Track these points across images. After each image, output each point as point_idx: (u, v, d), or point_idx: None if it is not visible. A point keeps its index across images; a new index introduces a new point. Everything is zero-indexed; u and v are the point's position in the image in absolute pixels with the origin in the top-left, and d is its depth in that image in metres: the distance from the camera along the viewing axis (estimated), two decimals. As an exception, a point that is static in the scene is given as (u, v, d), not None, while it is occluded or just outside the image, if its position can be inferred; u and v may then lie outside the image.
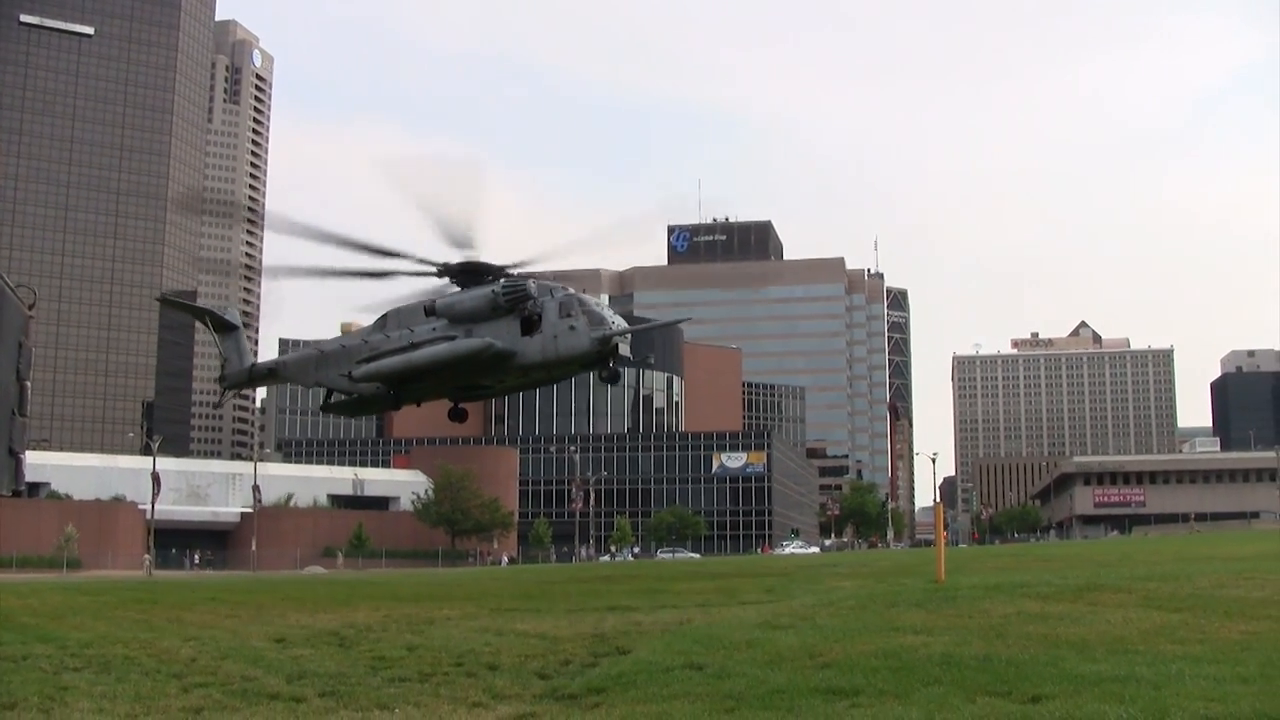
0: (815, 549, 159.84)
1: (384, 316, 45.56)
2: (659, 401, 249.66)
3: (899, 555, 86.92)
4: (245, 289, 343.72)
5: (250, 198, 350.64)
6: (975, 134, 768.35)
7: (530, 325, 41.14)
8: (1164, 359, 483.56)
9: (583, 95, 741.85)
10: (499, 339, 40.91)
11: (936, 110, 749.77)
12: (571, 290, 42.13)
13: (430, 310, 42.70)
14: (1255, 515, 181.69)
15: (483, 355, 41.22)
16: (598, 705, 13.14)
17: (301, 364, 48.80)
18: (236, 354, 51.90)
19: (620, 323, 41.68)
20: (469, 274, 44.05)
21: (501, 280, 42.44)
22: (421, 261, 42.39)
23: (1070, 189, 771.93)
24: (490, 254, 40.16)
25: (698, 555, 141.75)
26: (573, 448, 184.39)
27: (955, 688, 13.14)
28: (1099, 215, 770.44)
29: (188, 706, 13.76)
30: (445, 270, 43.57)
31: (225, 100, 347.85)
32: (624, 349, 41.26)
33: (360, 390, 45.83)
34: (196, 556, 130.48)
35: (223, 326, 52.25)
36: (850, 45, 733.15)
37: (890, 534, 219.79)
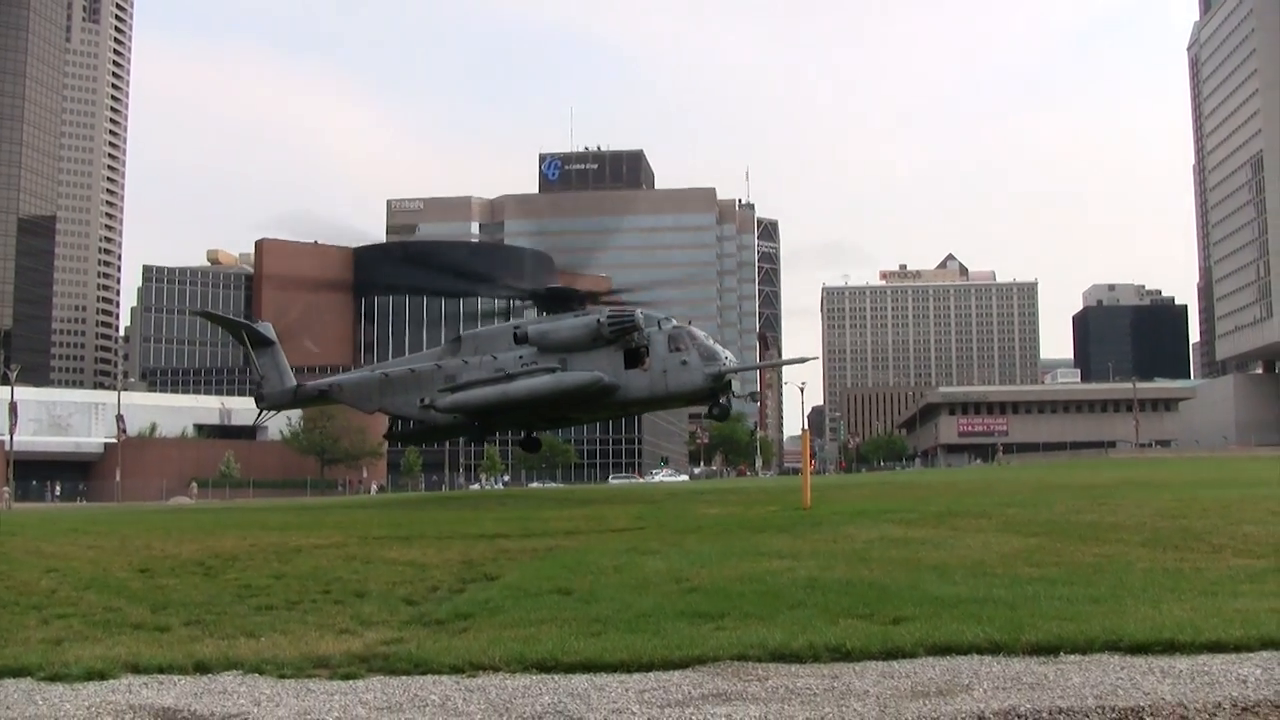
0: (684, 477, 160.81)
1: (457, 339, 42.59)
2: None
3: (766, 483, 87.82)
4: (107, 214, 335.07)
5: (112, 120, 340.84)
6: (847, 68, 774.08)
7: (635, 358, 39.24)
8: (1028, 292, 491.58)
9: (456, 19, 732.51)
10: (604, 372, 39.00)
11: (807, 43, 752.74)
12: (677, 321, 40.20)
13: (521, 337, 40.55)
14: (1112, 445, 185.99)
15: (590, 389, 39.14)
16: (465, 630, 13.17)
17: (361, 388, 45.56)
18: (276, 371, 48.54)
19: (733, 359, 39.86)
20: (554, 300, 41.73)
21: (606, 309, 40.11)
22: (507, 288, 40.58)
23: (940, 124, 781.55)
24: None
25: (641, 479, 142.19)
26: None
27: (819, 610, 13.39)
28: (967, 150, 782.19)
29: (48, 638, 13.51)
30: (530, 295, 41.47)
31: (85, 19, 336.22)
32: (735, 384, 39.56)
33: (436, 420, 43.03)
34: (58, 488, 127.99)
35: (259, 341, 49.26)
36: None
37: (759, 462, 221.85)
